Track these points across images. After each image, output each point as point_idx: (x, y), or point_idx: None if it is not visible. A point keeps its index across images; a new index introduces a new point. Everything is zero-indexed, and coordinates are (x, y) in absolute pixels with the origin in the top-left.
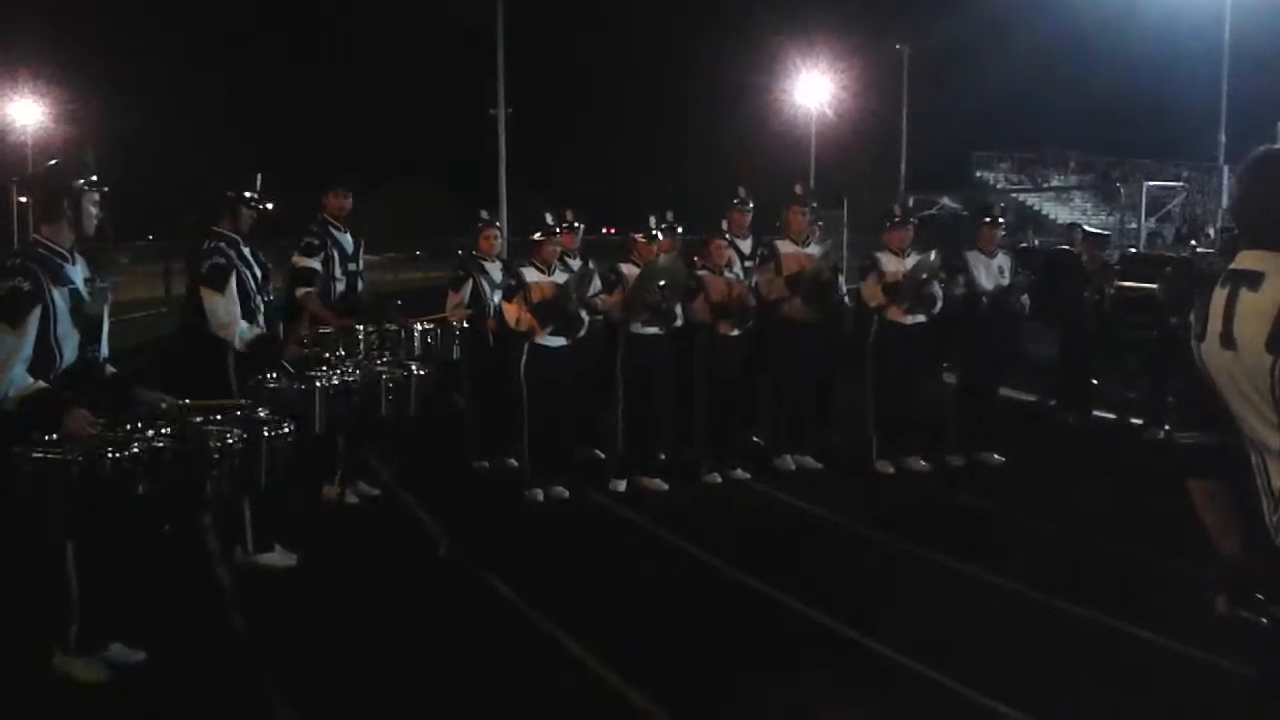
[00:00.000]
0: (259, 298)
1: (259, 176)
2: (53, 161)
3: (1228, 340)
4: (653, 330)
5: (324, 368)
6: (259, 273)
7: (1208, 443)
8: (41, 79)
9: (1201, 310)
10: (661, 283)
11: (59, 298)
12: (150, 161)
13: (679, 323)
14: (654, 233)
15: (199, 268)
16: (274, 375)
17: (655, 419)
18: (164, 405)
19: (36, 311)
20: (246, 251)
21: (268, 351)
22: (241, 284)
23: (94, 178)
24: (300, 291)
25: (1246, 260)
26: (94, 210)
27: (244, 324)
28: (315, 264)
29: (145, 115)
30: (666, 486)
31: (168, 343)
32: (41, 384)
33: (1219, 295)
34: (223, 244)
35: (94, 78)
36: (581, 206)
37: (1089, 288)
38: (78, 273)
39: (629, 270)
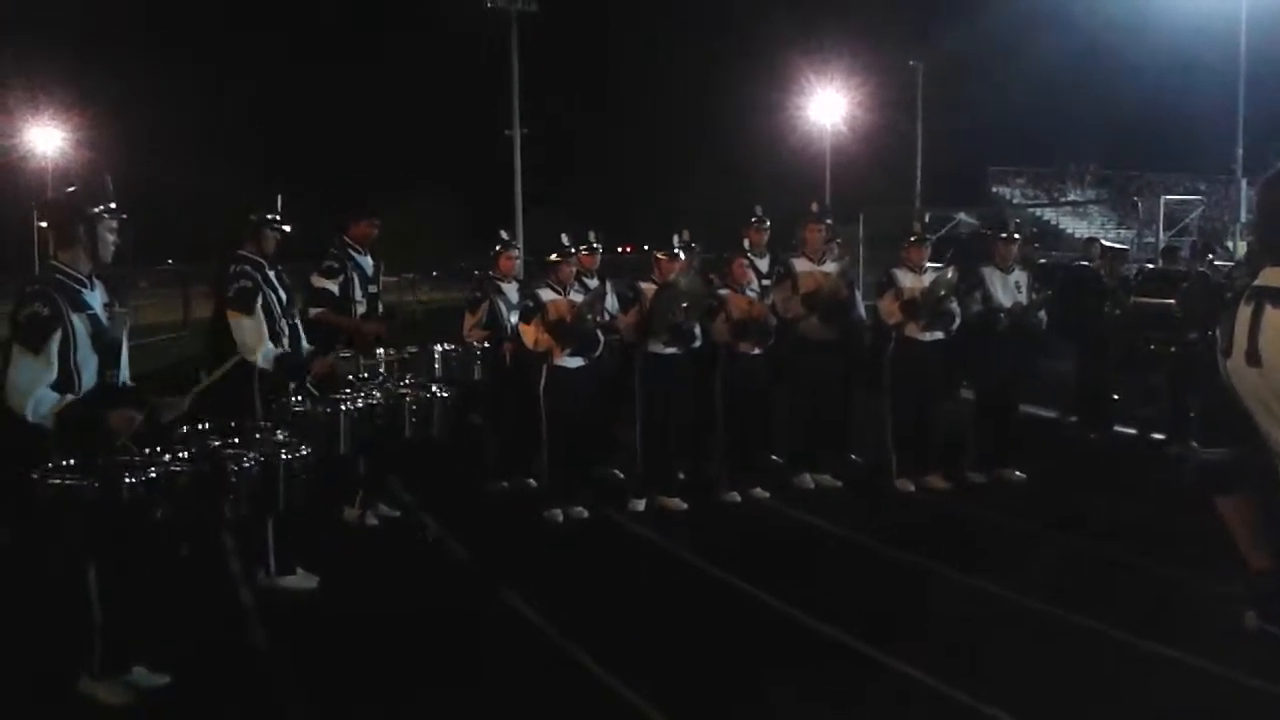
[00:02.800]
0: (284, 321)
1: (279, 198)
2: (71, 188)
3: (1253, 357)
4: (671, 349)
5: (348, 390)
6: (284, 295)
7: (1234, 458)
8: (62, 105)
9: (1226, 327)
10: (684, 304)
11: (78, 323)
12: (170, 186)
13: (698, 342)
14: (676, 251)
15: (225, 291)
16: (299, 398)
17: (674, 438)
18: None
19: (56, 336)
20: (272, 275)
21: (295, 371)
22: (267, 307)
23: (112, 204)
24: (313, 311)
25: (1270, 277)
26: (111, 237)
27: (269, 344)
28: (333, 286)
29: (165, 139)
30: (685, 505)
31: (189, 366)
32: (70, 397)
33: (1244, 312)
34: (248, 267)
35: (115, 103)
36: (595, 225)
37: (1109, 303)
38: (96, 298)
39: (648, 288)
